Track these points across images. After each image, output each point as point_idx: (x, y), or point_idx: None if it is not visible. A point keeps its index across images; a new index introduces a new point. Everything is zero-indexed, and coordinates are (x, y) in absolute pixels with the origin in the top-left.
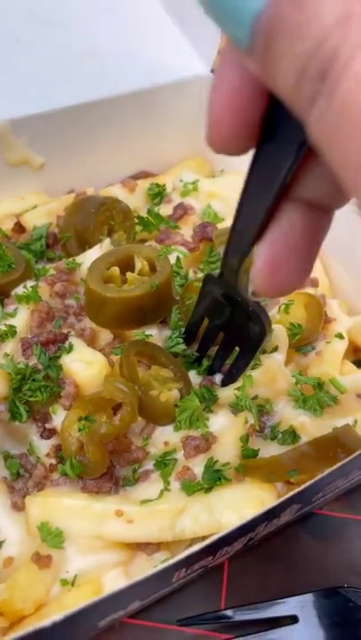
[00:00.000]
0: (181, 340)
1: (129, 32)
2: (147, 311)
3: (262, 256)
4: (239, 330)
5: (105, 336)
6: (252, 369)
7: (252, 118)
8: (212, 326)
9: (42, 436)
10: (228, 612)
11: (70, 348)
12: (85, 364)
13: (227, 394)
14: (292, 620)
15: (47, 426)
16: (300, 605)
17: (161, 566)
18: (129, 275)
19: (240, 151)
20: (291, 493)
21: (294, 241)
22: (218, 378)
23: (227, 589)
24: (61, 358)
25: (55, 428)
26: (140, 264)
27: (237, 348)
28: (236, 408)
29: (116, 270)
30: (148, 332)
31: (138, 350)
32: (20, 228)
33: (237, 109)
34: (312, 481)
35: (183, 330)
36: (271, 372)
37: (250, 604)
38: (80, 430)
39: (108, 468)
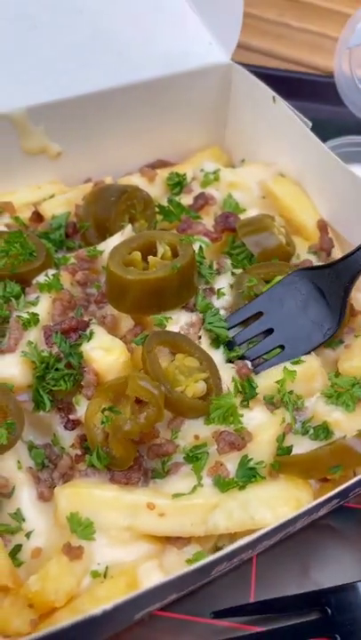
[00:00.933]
0: (223, 321)
1: (148, 19)
2: (169, 295)
3: None
4: (296, 327)
5: (126, 323)
6: (293, 363)
7: None
8: (266, 318)
9: (66, 427)
10: (259, 605)
11: (90, 336)
12: (104, 352)
13: (263, 385)
14: (323, 613)
15: (71, 417)
16: (331, 598)
17: (203, 561)
18: (151, 259)
19: None
20: (338, 489)
21: None
22: (249, 363)
23: (255, 582)
24: (82, 346)
25: (79, 418)
26: (162, 249)
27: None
28: (270, 402)
29: (137, 255)
30: (169, 316)
31: (160, 341)
32: (37, 217)
33: None
34: (349, 483)
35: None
36: (311, 370)
37: (279, 597)
38: (103, 423)
39: (135, 459)
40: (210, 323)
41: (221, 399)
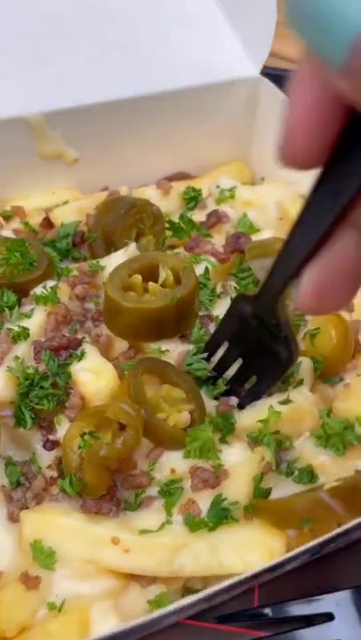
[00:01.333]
0: (203, 360)
1: (177, 28)
2: (166, 325)
3: (311, 278)
4: (261, 356)
5: (121, 345)
6: (281, 403)
7: (328, 135)
8: (233, 348)
9: (45, 447)
10: (265, 610)
11: (82, 356)
12: (94, 375)
13: (246, 423)
14: (328, 617)
15: (51, 437)
16: (336, 603)
17: (157, 613)
18: (151, 285)
19: (309, 166)
20: (301, 549)
21: (346, 266)
22: (233, 400)
23: (259, 586)
24: (71, 365)
25: (58, 439)
26: (164, 274)
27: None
28: (252, 439)
29: (138, 278)
30: (164, 348)
31: (147, 368)
32: (48, 223)
33: (314, 125)
34: (326, 536)
35: (203, 347)
36: (301, 411)
37: (285, 602)
38: (80, 448)
39: (109, 489)
40: (189, 364)
41: (198, 431)
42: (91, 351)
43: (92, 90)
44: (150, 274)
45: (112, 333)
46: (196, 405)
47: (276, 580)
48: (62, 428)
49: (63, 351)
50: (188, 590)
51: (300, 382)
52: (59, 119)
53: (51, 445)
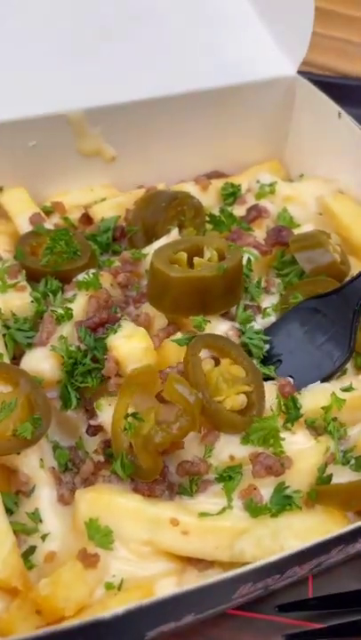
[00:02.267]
0: (263, 340)
1: (214, 27)
2: (212, 297)
3: None
4: (303, 357)
5: (160, 321)
6: (344, 391)
7: None
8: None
9: (87, 432)
10: (322, 600)
11: (117, 329)
12: (125, 339)
13: (307, 408)
14: None
15: (92, 422)
16: None
17: (220, 577)
18: (196, 259)
19: None
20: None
21: None
22: (291, 381)
23: (313, 577)
24: (107, 338)
25: (100, 424)
26: (209, 254)
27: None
28: (311, 426)
29: (183, 255)
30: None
31: (206, 344)
32: (87, 219)
33: None
34: None
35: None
36: (360, 399)
37: (342, 593)
38: (126, 430)
39: (161, 472)
40: (250, 338)
41: (265, 421)
42: (126, 323)
43: (131, 88)
44: (195, 254)
45: (156, 310)
46: (256, 387)
47: (331, 570)
48: (102, 413)
49: (100, 328)
50: None
51: None
52: (98, 116)
53: (93, 431)
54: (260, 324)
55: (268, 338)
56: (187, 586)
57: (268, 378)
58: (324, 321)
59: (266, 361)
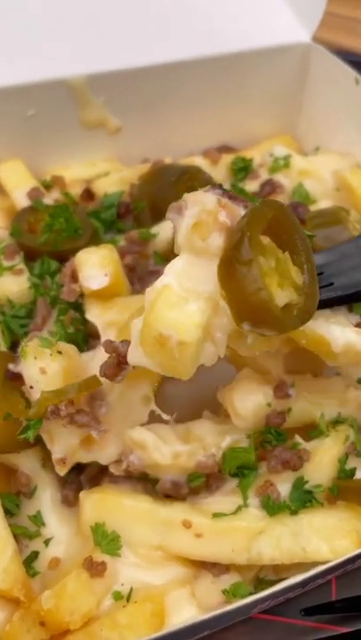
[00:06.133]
0: None
1: None
2: None
3: None
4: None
5: None
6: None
7: None
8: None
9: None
10: (348, 603)
11: None
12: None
13: None
14: None
15: (11, 367)
16: None
17: (239, 604)
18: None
19: None
20: None
21: None
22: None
23: (336, 580)
24: None
25: (20, 372)
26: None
27: None
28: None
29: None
30: None
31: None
32: (88, 195)
33: None
34: None
35: None
36: None
37: None
38: None
39: None
40: None
41: None
42: None
43: (138, 53)
44: None
45: None
46: (306, 301)
47: (356, 571)
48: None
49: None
50: (259, 581)
51: None
52: (102, 84)
53: (11, 375)
54: None
55: None
56: (201, 603)
57: None
58: None
59: None
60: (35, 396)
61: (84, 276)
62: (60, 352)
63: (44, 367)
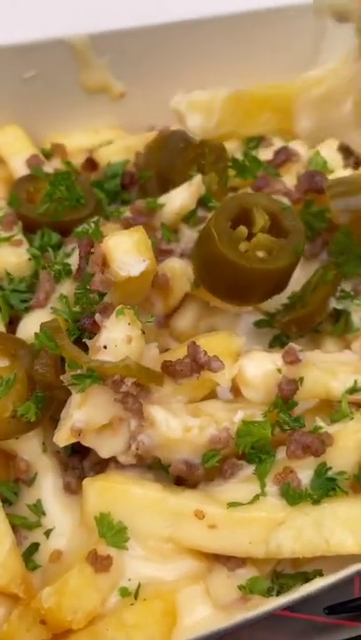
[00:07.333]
0: None
1: None
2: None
3: None
4: None
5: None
6: None
7: None
8: None
9: None
10: None
11: None
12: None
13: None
14: None
15: None
16: None
17: (261, 610)
18: (261, 237)
19: None
20: None
21: None
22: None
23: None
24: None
25: None
26: (261, 220)
27: None
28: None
29: (243, 233)
30: None
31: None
32: (91, 164)
33: None
34: None
35: None
36: None
37: None
38: None
39: None
40: None
41: None
42: None
43: (144, 11)
44: (240, 221)
45: (208, 296)
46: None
47: None
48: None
49: None
50: (277, 575)
51: None
52: (105, 44)
53: None
54: None
55: None
56: (215, 600)
57: None
58: None
59: None
60: (102, 356)
61: (118, 264)
62: (143, 332)
63: (132, 337)
